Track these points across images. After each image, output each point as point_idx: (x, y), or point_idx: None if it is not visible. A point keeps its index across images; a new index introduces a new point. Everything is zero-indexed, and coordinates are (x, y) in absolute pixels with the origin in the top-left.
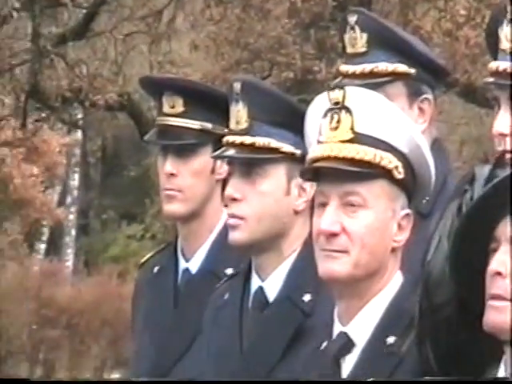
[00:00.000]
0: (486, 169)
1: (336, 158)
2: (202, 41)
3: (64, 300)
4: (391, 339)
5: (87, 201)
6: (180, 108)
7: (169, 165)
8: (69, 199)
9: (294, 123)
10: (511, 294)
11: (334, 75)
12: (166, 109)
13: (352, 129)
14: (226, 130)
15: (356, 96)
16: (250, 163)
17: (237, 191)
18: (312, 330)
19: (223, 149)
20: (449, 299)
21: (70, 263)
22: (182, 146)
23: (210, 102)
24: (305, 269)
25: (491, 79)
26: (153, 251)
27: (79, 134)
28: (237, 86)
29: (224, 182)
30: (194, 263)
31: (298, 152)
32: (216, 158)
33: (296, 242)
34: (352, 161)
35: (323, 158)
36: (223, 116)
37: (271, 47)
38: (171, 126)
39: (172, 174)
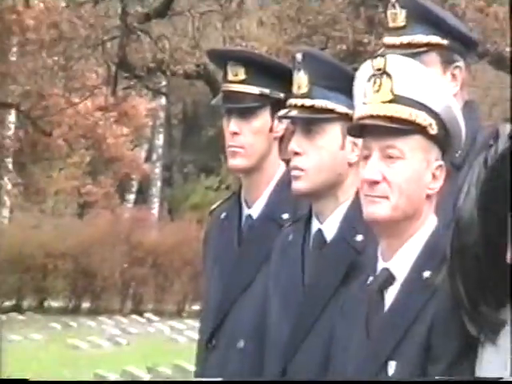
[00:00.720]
0: (508, 127)
1: (378, 117)
2: (267, 18)
3: (150, 243)
4: (427, 273)
5: (170, 157)
6: (242, 76)
7: (232, 125)
8: (154, 156)
9: (347, 88)
10: None
11: (380, 47)
12: (230, 77)
13: (392, 91)
14: (281, 95)
15: (395, 63)
16: (310, 122)
17: (298, 147)
18: (362, 265)
19: (287, 110)
20: (476, 239)
21: (155, 211)
22: (244, 109)
23: (268, 71)
24: (357, 213)
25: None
26: (221, 199)
27: (163, 100)
28: (299, 56)
29: (281, 140)
30: (255, 210)
31: (351, 112)
32: (281, 118)
33: (350, 190)
34: (391, 119)
35: (367, 117)
36: (279, 82)
37: (327, 23)
38: (234, 91)
39: (235, 133)
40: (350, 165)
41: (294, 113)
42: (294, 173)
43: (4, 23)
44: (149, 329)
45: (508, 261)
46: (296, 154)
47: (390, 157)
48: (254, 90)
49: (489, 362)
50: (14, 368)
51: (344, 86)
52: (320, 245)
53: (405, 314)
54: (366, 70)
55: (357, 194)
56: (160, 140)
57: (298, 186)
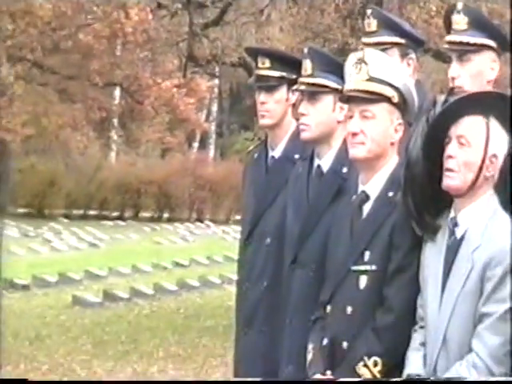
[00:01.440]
0: (443, 97)
1: (358, 90)
2: (285, 26)
3: (208, 175)
4: (390, 194)
5: (221, 119)
6: (267, 64)
7: (262, 97)
8: (211, 118)
9: (337, 71)
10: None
11: (360, 45)
12: (260, 65)
13: (368, 73)
14: (294, 76)
15: (370, 55)
16: (312, 94)
17: (305, 110)
18: (347, 189)
19: (297, 85)
20: (421, 170)
21: (211, 154)
22: (269, 86)
23: (285, 61)
24: (344, 154)
25: (447, 46)
26: (253, 145)
27: (216, 81)
28: (305, 50)
29: (293, 105)
30: (276, 152)
31: (340, 87)
32: (294, 91)
33: (339, 138)
34: (367, 92)
35: (352, 90)
36: (293, 68)
37: (324, 30)
38: (262, 75)
39: (263, 103)
40: (339, 122)
41: (302, 87)
42: (302, 127)
43: (112, 30)
44: (207, 231)
45: (442, 186)
46: (303, 114)
47: (366, 117)
48: (276, 73)
49: (429, 249)
50: (119, 257)
51: (335, 70)
52: (319, 175)
53: (376, 221)
54: (351, 59)
55: (343, 141)
56: (214, 107)
57: (304, 135)
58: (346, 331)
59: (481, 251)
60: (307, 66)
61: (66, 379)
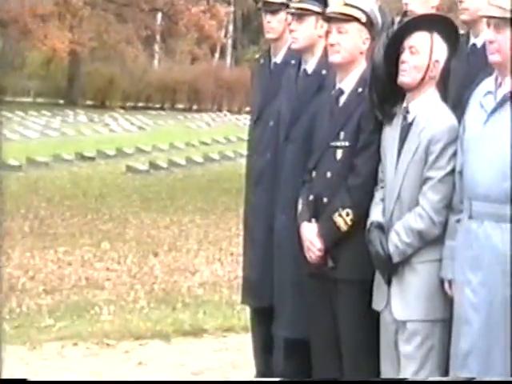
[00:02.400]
0: (399, 18)
1: (336, 13)
2: None
3: (226, 77)
4: (360, 89)
5: (236, 36)
6: None
7: (268, 17)
8: (228, 35)
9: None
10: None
11: None
12: None
13: (344, 0)
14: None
15: None
16: (300, 15)
17: (294, 27)
18: (327, 85)
19: (290, 8)
20: (382, 72)
21: (228, 62)
22: (272, 10)
23: None
24: (324, 59)
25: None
26: (260, 54)
27: (232, 7)
28: None
29: (289, 24)
30: (278, 58)
31: (321, 10)
32: (287, 13)
33: (320, 48)
34: (343, 14)
35: (331, 12)
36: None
37: None
38: (268, 1)
39: (268, 22)
40: (320, 36)
41: (292, 10)
42: (292, 40)
43: None
44: (225, 119)
45: (398, 82)
46: (292, 30)
47: (341, 32)
48: (278, 0)
49: (388, 130)
50: (160, 137)
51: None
52: (305, 75)
53: (348, 109)
54: None
55: (324, 50)
56: (231, 27)
57: (294, 46)
58: (326, 190)
59: (426, 132)
60: None
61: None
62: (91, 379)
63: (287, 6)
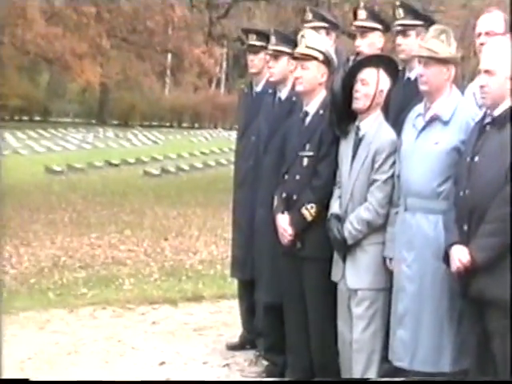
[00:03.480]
0: (352, 57)
1: (300, 53)
2: (264, 18)
3: (220, 102)
4: (321, 111)
5: (228, 71)
6: (254, 38)
7: (250, 57)
8: (222, 70)
9: (291, 42)
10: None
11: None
12: (249, 39)
13: (305, 44)
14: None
15: (308, 33)
16: (276, 55)
17: (272, 64)
18: (296, 109)
19: (268, 50)
20: (340, 98)
21: (222, 91)
22: (254, 50)
23: (263, 36)
24: (293, 89)
25: (354, 28)
26: (245, 84)
27: (225, 49)
28: (272, 30)
29: (267, 62)
30: (258, 88)
31: (291, 51)
32: (266, 53)
33: (290, 80)
34: (305, 54)
35: (297, 53)
36: (267, 40)
37: (284, 21)
38: (250, 44)
39: (251, 60)
40: (291, 71)
41: (270, 52)
42: (270, 74)
43: (165, 19)
44: (219, 134)
45: (352, 107)
46: (270, 67)
47: (304, 68)
48: (258, 43)
49: (343, 143)
50: (170, 148)
51: (289, 42)
52: (279, 101)
53: (312, 127)
54: (299, 35)
55: (293, 82)
56: (224, 64)
57: (271, 78)
58: (296, 189)
59: (373, 145)
60: (273, 39)
61: (136, 215)
62: (115, 338)
63: (266, 48)
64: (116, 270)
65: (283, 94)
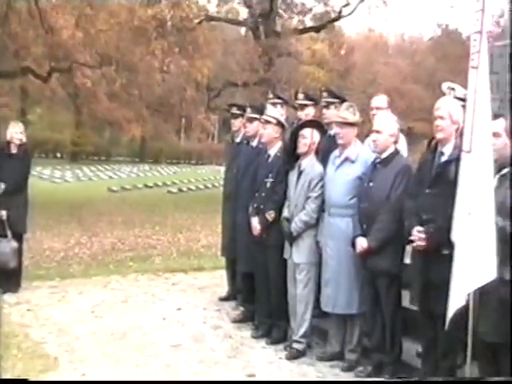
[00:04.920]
0: (296, 122)
1: (262, 119)
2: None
3: (213, 149)
4: (278, 154)
5: (220, 129)
6: (235, 108)
7: (232, 120)
8: (215, 129)
9: (260, 112)
10: None
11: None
12: (231, 107)
13: (266, 113)
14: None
15: (269, 107)
16: (251, 119)
17: (248, 125)
18: (262, 153)
19: (245, 116)
20: (289, 147)
21: (216, 141)
22: (235, 115)
23: (241, 108)
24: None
25: (298, 102)
26: (229, 137)
27: (217, 116)
28: (248, 109)
29: (244, 123)
30: (238, 139)
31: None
32: (244, 117)
33: (259, 135)
34: (265, 120)
35: (262, 118)
36: (244, 110)
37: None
38: (232, 112)
39: (233, 122)
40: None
41: (247, 116)
42: (246, 131)
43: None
44: (214, 168)
45: (297, 152)
46: (245, 126)
47: (265, 128)
48: (237, 112)
49: (291, 175)
50: (183, 176)
51: (260, 111)
52: (251, 147)
53: (272, 163)
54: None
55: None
56: (216, 124)
57: (247, 134)
58: (262, 202)
59: (309, 175)
60: (248, 110)
61: (162, 218)
62: (151, 298)
63: (243, 116)
64: (150, 251)
65: (254, 143)
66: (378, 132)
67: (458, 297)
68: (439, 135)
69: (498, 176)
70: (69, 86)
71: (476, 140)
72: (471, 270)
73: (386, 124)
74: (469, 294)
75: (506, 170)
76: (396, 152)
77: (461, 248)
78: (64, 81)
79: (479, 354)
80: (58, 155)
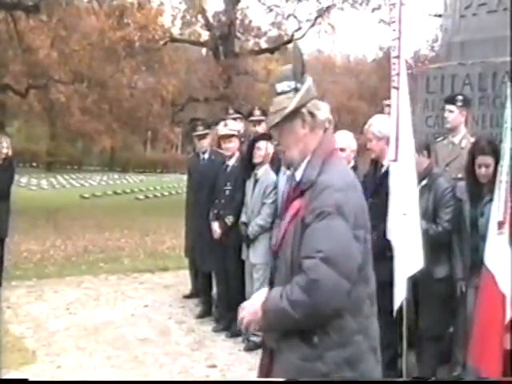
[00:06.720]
0: (253, 135)
1: (223, 134)
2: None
3: (176, 160)
4: (236, 164)
5: (184, 143)
6: (200, 126)
7: (200, 140)
8: (180, 142)
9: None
10: None
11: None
12: (196, 128)
13: (229, 128)
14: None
15: (229, 121)
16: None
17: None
18: (223, 165)
19: (210, 134)
20: (247, 158)
21: (179, 153)
22: (201, 136)
23: (208, 124)
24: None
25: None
26: (190, 149)
27: (181, 129)
28: (225, 123)
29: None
30: (205, 156)
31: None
32: (210, 136)
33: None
34: (225, 134)
35: (222, 133)
36: (210, 127)
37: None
38: (198, 135)
39: (206, 141)
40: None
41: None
42: (209, 149)
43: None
44: (180, 178)
45: (253, 161)
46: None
47: (225, 142)
48: (205, 131)
49: (247, 186)
50: (152, 184)
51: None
52: (212, 161)
53: (231, 173)
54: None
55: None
56: (180, 137)
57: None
58: (222, 208)
59: (264, 183)
60: (200, 128)
61: (130, 222)
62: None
63: (207, 134)
64: (119, 253)
65: (206, 155)
66: (342, 150)
67: (400, 288)
68: (372, 155)
69: (419, 187)
70: (45, 101)
71: (401, 150)
72: (405, 262)
73: (348, 141)
74: (408, 291)
75: (425, 182)
76: (355, 166)
77: (397, 245)
78: (40, 96)
79: (416, 343)
80: (34, 165)
